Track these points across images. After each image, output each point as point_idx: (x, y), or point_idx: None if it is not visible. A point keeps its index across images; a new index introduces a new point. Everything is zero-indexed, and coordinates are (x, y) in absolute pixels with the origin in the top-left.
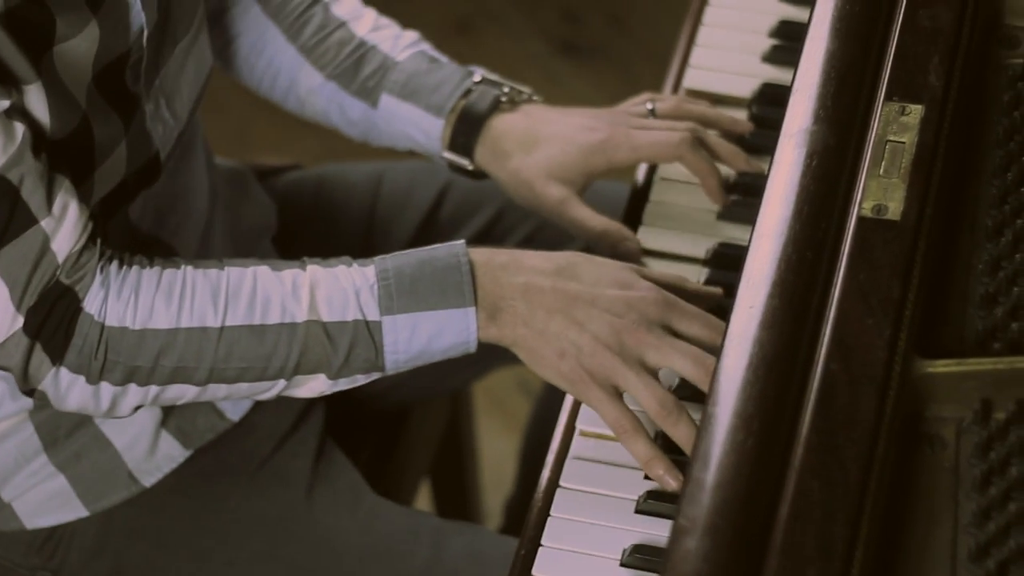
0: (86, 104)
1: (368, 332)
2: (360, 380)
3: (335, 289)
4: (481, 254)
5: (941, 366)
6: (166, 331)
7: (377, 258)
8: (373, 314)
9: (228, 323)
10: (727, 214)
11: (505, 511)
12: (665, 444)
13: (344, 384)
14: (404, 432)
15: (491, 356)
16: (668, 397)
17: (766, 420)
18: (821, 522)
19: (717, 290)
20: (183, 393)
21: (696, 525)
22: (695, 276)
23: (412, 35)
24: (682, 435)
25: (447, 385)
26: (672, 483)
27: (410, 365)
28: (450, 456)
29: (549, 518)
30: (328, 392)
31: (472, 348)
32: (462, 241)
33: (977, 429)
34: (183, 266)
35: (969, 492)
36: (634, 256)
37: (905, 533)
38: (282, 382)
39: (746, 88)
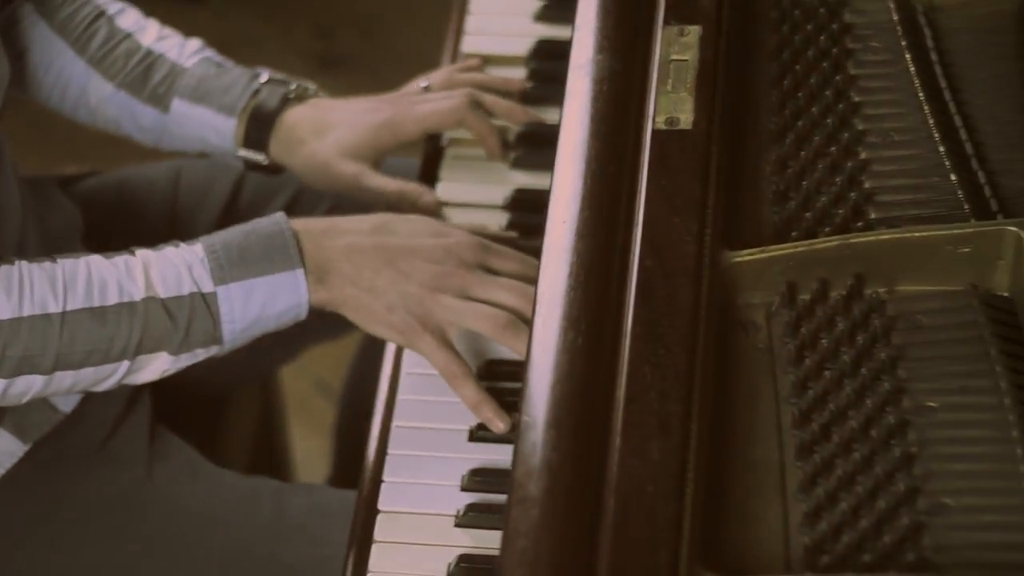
0: None
1: (205, 304)
2: (200, 355)
3: (168, 267)
4: (300, 222)
5: (746, 255)
6: (9, 321)
7: (203, 236)
8: (207, 286)
9: (69, 308)
10: (519, 163)
11: None
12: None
13: (186, 360)
14: (223, 418)
15: (297, 338)
16: (503, 314)
17: (592, 318)
18: (656, 402)
19: (512, 233)
20: (31, 385)
21: (539, 420)
22: (496, 222)
23: (196, 42)
24: (523, 346)
25: (258, 368)
26: (500, 425)
27: (246, 335)
28: (265, 451)
29: (387, 455)
30: (171, 371)
31: (304, 312)
32: (281, 212)
33: (785, 311)
34: (16, 261)
35: (785, 367)
36: (434, 210)
37: (733, 409)
38: (126, 363)
39: (522, 47)
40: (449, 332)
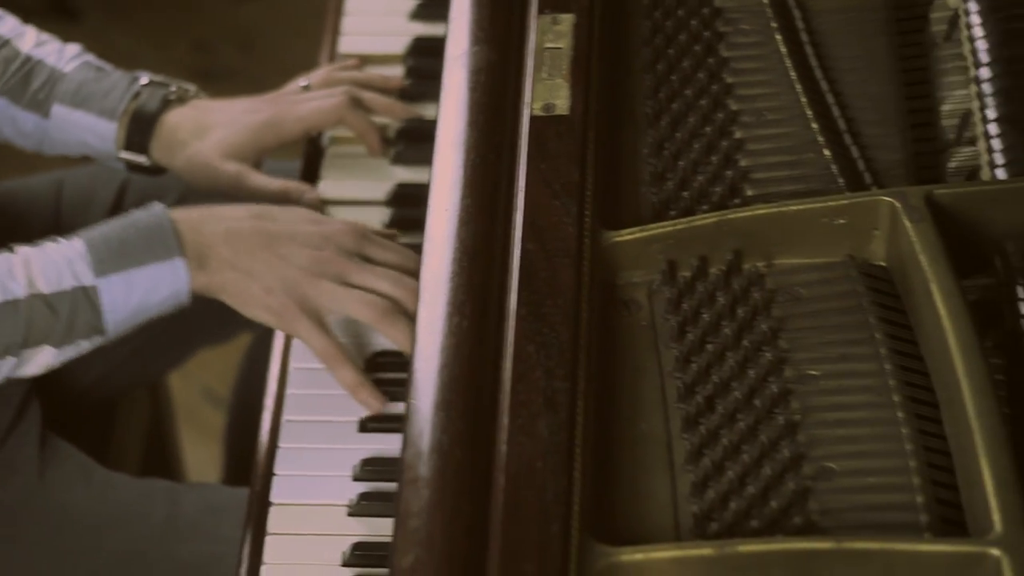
0: None
1: (87, 297)
2: (84, 346)
3: (48, 263)
4: (179, 212)
5: (626, 234)
6: None
7: (82, 231)
8: (88, 279)
9: None
10: (400, 158)
11: None
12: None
13: (71, 352)
14: (114, 426)
15: (184, 342)
16: (381, 301)
17: (477, 302)
18: (543, 380)
19: (392, 231)
20: None
21: (427, 403)
22: (379, 218)
23: (75, 47)
24: (400, 335)
25: (147, 374)
26: (376, 404)
27: (129, 324)
28: (157, 458)
29: (278, 449)
30: (56, 363)
31: (185, 299)
32: (159, 203)
33: (666, 288)
34: None
35: (668, 343)
36: (316, 208)
37: (618, 385)
38: (11, 360)
39: (399, 45)
40: (326, 317)
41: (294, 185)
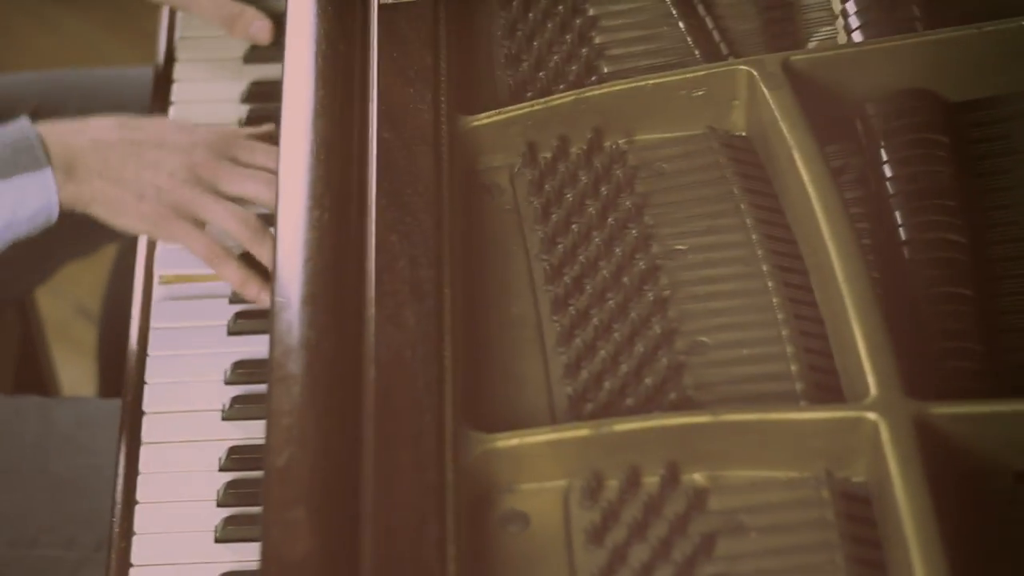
0: None
1: None
2: None
3: None
4: (45, 124)
5: (484, 119)
6: None
7: None
8: None
9: None
10: (251, 56)
11: None
12: None
13: None
14: None
15: (46, 256)
16: (251, 217)
17: (336, 194)
18: (407, 269)
19: (268, 126)
20: None
21: (293, 299)
22: (236, 114)
23: None
24: (269, 253)
25: (13, 291)
26: (267, 299)
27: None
28: (30, 377)
29: (148, 358)
30: None
31: (55, 211)
32: (24, 117)
33: (528, 170)
34: None
35: (533, 225)
36: (266, 38)
37: (485, 271)
38: None
39: None
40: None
41: (250, 9)
